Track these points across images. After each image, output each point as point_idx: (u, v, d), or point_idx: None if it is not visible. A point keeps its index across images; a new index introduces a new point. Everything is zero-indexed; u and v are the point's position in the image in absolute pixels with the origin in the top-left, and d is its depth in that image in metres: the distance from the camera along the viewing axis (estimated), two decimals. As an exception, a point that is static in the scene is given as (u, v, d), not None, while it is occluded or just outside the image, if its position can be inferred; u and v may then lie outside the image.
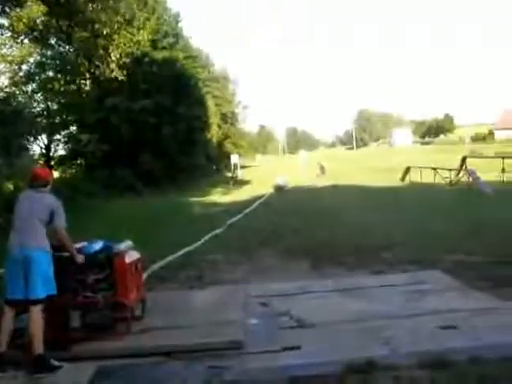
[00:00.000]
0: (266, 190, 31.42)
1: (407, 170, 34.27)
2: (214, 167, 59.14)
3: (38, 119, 34.90)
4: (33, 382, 4.89)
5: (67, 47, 29.93)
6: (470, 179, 26.00)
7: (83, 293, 5.67)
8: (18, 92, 32.40)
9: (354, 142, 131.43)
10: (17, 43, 23.98)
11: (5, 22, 21.19)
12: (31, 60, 33.43)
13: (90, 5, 19.25)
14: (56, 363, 5.10)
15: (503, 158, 29.85)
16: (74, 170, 38.60)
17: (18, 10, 18.51)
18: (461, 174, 28.11)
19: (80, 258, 5.59)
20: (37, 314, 5.12)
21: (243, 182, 44.15)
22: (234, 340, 5.46)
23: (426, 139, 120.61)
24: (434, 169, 30.96)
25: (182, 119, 38.88)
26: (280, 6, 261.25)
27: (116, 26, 20.75)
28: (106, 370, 5.04)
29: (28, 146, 33.05)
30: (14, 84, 31.50)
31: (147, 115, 36.34)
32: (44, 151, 37.57)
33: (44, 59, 34.31)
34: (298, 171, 50.33)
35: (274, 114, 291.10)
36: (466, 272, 8.11)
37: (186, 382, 4.70)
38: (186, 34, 47.62)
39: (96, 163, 35.28)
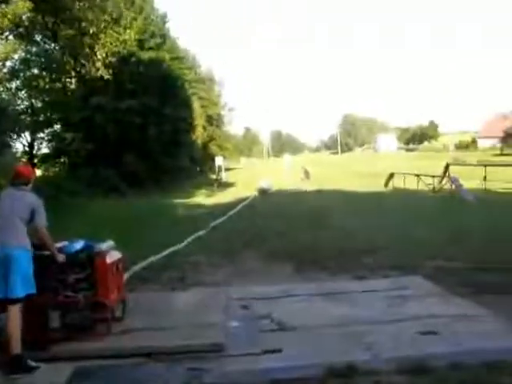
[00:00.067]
0: (251, 192, 31.43)
1: (391, 176, 34.44)
2: (199, 169, 59.01)
3: (22, 117, 34.71)
4: (9, 382, 4.82)
5: (53, 45, 29.69)
6: (453, 186, 26.20)
7: (64, 292, 5.62)
8: (1, 89, 32.11)
9: (339, 147, 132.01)
10: (1, 39, 23.72)
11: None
12: (16, 57, 33.19)
13: (77, 3, 19.13)
14: (33, 364, 5.04)
15: (485, 166, 30.18)
16: (57, 169, 38.36)
17: (3, 5, 18.30)
18: (444, 181, 28.32)
19: (61, 257, 5.53)
20: (15, 313, 5.05)
21: (227, 185, 44.09)
22: (214, 342, 5.44)
23: (411, 146, 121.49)
24: (418, 175, 31.17)
25: (167, 120, 38.77)
26: (264, 5, 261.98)
27: (103, 25, 20.62)
28: (85, 370, 5.00)
29: (11, 143, 32.86)
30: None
31: (133, 115, 36.19)
32: (27, 149, 37.34)
33: (29, 56, 34.11)
34: (283, 175, 50.35)
35: (260, 117, 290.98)
36: (447, 278, 8.16)
37: (166, 383, 4.66)
38: (173, 35, 47.55)
39: (80, 162, 35.06)
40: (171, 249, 11.35)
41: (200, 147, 57.60)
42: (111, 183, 33.08)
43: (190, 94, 50.35)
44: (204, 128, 61.12)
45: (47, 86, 35.31)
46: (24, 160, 33.91)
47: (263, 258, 10.60)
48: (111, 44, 21.81)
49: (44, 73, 34.98)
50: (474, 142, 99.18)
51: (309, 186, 35.06)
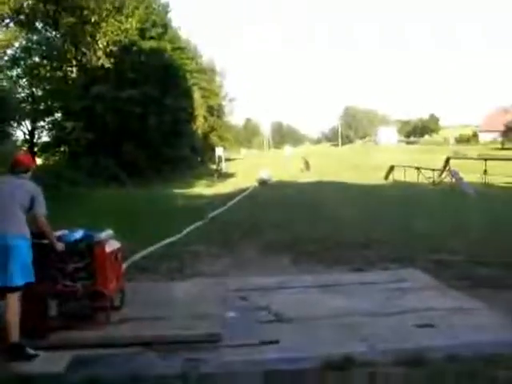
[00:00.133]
0: (251, 183, 31.46)
1: (391, 169, 34.46)
2: (199, 159, 58.99)
3: (23, 105, 34.60)
4: (7, 370, 4.84)
5: (54, 33, 29.62)
6: (453, 180, 26.22)
7: (62, 281, 5.63)
8: (2, 77, 32.02)
9: (340, 139, 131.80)
10: (2, 27, 23.64)
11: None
12: (16, 44, 33.08)
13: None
14: (32, 351, 5.06)
15: (486, 159, 30.17)
16: (57, 158, 38.33)
17: (4, -8, 18.23)
18: (444, 175, 28.33)
19: (60, 246, 5.53)
20: (14, 302, 5.07)
21: (228, 175, 44.11)
22: (212, 333, 5.46)
23: (411, 139, 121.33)
24: (418, 168, 31.18)
25: (168, 110, 38.74)
26: (271, 2, 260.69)
27: (104, 14, 20.54)
28: (83, 359, 5.01)
29: (11, 131, 32.80)
30: (-1, 68, 31.17)
31: (133, 105, 36.15)
32: (27, 137, 37.29)
33: (30, 44, 33.99)
34: (283, 166, 50.39)
35: (260, 108, 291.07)
36: (445, 271, 8.19)
37: (163, 373, 4.69)
38: (174, 25, 47.46)
39: (80, 151, 35.06)
40: (170, 239, 11.37)
41: (200, 137, 57.61)
42: (111, 173, 33.10)
43: (191, 84, 50.29)
44: (205, 118, 61.07)
45: (48, 75, 35.27)
46: (24, 148, 33.86)
47: (261, 249, 10.62)
48: (112, 33, 21.74)
49: (45, 61, 34.93)
50: (474, 135, 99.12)
51: (309, 178, 35.08)
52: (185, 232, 12.44)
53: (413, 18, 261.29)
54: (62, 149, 38.63)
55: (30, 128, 37.13)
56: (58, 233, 5.76)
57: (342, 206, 17.32)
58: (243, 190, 26.23)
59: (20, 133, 36.81)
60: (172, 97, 39.44)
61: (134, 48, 37.24)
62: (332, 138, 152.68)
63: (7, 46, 30.94)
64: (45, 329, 5.43)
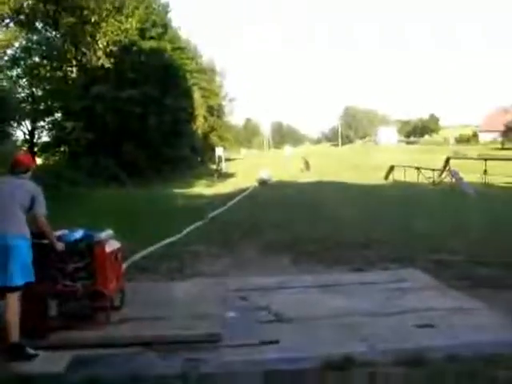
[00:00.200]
0: (251, 183, 31.47)
1: (391, 169, 34.46)
2: (199, 159, 59.00)
3: (23, 105, 34.60)
4: (7, 369, 4.84)
5: (54, 33, 29.61)
6: (453, 180, 26.22)
7: (62, 281, 5.63)
8: (2, 77, 32.02)
9: (340, 139, 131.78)
10: (1, 26, 23.64)
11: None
12: (16, 44, 33.08)
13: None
14: (32, 351, 5.06)
15: (486, 160, 30.16)
16: (57, 158, 38.33)
17: (4, -8, 18.23)
18: (444, 175, 28.34)
19: (60, 246, 5.53)
20: (14, 301, 5.07)
21: (228, 175, 44.12)
22: (212, 333, 5.46)
23: (411, 139, 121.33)
24: (418, 168, 31.19)
25: (168, 110, 38.76)
26: (270, 2, 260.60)
27: (104, 14, 20.54)
28: (83, 359, 5.01)
29: (11, 131, 32.81)
30: (-1, 68, 31.18)
31: (133, 105, 36.16)
32: (27, 137, 37.29)
33: (30, 44, 33.98)
34: (283, 166, 50.40)
35: (260, 108, 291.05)
36: (445, 271, 8.20)
37: (163, 373, 4.69)
38: (174, 25, 47.45)
39: (80, 151, 35.07)
40: (170, 239, 11.37)
41: (201, 137, 57.62)
42: (111, 173, 33.11)
43: (191, 84, 50.30)
44: (205, 118, 61.07)
45: (48, 75, 35.27)
46: (24, 149, 33.87)
47: (262, 248, 10.62)
48: (112, 33, 21.74)
49: (45, 61, 34.94)
50: (474, 135, 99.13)
51: (309, 178, 35.09)
52: (185, 232, 12.44)
53: (413, 18, 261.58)
54: (62, 149, 38.64)
55: (30, 128, 37.15)
56: (58, 233, 5.76)
57: (341, 206, 17.32)
58: (243, 190, 26.24)
59: (20, 133, 36.89)
60: (172, 97, 39.45)
61: (134, 48, 37.26)
62: (332, 138, 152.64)
63: (7, 46, 30.95)
64: (45, 329, 5.43)
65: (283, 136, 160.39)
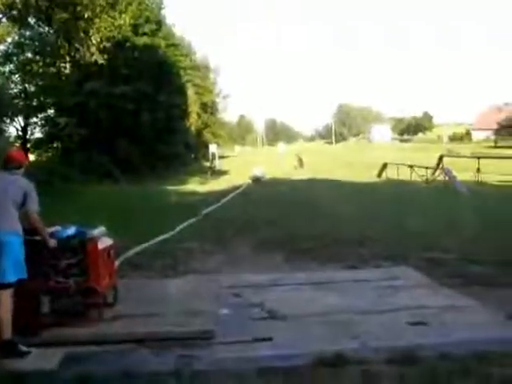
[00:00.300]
0: (244, 180, 31.48)
1: (384, 167, 34.53)
2: (193, 156, 58.91)
3: (15, 101, 34.43)
4: None
5: (47, 28, 29.44)
6: (446, 178, 26.31)
7: (55, 278, 5.61)
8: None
9: (333, 137, 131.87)
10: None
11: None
12: (9, 40, 32.86)
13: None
14: (24, 348, 5.04)
15: (479, 158, 30.28)
16: (50, 154, 38.17)
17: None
18: (437, 173, 28.42)
19: (52, 243, 5.51)
20: (6, 298, 5.05)
21: (221, 172, 44.09)
22: (205, 330, 5.46)
23: (405, 136, 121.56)
24: (411, 166, 31.26)
25: (161, 107, 38.66)
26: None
27: (98, 9, 20.45)
28: (75, 356, 5.00)
29: (4, 127, 32.64)
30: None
31: (126, 101, 36.07)
32: (20, 134, 37.12)
33: (23, 40, 33.79)
34: (277, 163, 50.42)
35: (254, 105, 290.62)
36: (438, 269, 8.23)
37: (156, 370, 4.68)
38: (169, 22, 47.32)
39: (73, 147, 34.97)
40: (164, 236, 11.36)
41: (194, 134, 57.50)
42: (105, 169, 33.02)
43: (185, 81, 50.17)
44: (198, 115, 60.94)
45: (41, 70, 35.03)
46: (17, 145, 33.73)
47: (255, 246, 10.63)
48: (106, 29, 21.64)
49: (38, 57, 34.70)
50: (468, 133, 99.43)
51: (302, 175, 35.12)
52: (178, 229, 12.43)
53: (407, 16, 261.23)
54: (55, 145, 38.51)
55: (22, 124, 37.01)
56: (51, 229, 5.74)
57: (335, 204, 17.35)
58: (237, 188, 26.24)
59: (13, 129, 36.70)
60: (165, 93, 39.36)
61: (128, 44, 37.13)
62: (326, 135, 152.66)
63: (0, 42, 30.80)
64: (37, 326, 5.41)
65: (277, 133, 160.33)
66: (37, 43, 33.26)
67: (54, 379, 4.59)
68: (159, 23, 42.91)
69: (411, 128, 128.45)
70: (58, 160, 34.45)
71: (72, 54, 26.18)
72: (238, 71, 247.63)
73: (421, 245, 10.12)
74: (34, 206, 5.35)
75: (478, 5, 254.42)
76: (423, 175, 29.33)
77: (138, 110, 37.05)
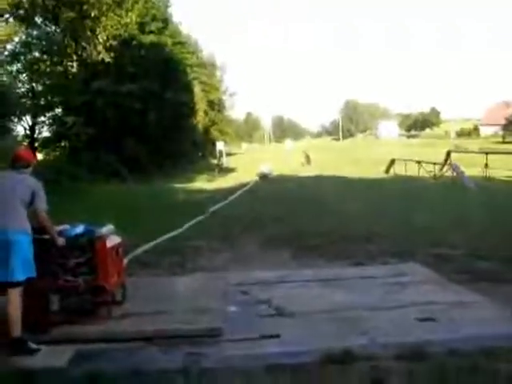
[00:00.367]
0: (251, 177, 31.45)
1: (392, 163, 34.42)
2: (200, 154, 58.94)
3: (23, 100, 34.53)
4: (9, 364, 4.86)
5: (54, 27, 29.54)
6: (454, 173, 26.19)
7: (64, 276, 5.64)
8: (2, 72, 31.95)
9: (340, 133, 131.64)
10: (1, 21, 23.58)
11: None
12: (16, 39, 32.97)
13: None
14: (34, 346, 5.08)
15: (487, 153, 30.10)
16: (58, 153, 38.25)
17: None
18: (445, 168, 28.30)
19: (61, 241, 5.54)
20: (15, 297, 5.08)
21: (229, 170, 44.08)
22: (213, 327, 5.48)
23: (412, 132, 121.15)
24: (419, 162, 31.13)
25: (168, 105, 38.62)
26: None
27: (104, 8, 20.50)
28: (85, 353, 5.04)
29: (12, 126, 32.77)
30: (-1, 63, 31.10)
31: (133, 99, 36.06)
32: (28, 132, 37.22)
33: (30, 39, 33.87)
34: (284, 160, 50.38)
35: (261, 102, 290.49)
36: (445, 265, 8.20)
37: (164, 368, 4.71)
38: (175, 20, 47.36)
39: (80, 146, 34.99)
40: (172, 233, 11.39)
41: (201, 132, 57.50)
42: (112, 168, 33.04)
43: (192, 78, 50.15)
44: (205, 113, 60.93)
45: (48, 70, 35.13)
46: (25, 144, 33.83)
47: (262, 243, 10.63)
48: (112, 27, 21.72)
49: (45, 56, 34.79)
50: (476, 129, 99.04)
51: (310, 172, 35.06)
52: (186, 226, 12.46)
53: (414, 13, 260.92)
54: (63, 144, 38.53)
55: (30, 123, 37.07)
56: (59, 228, 5.77)
57: (342, 200, 17.32)
58: (244, 185, 26.24)
59: (20, 128, 36.78)
60: (172, 91, 39.32)
61: (134, 42, 37.12)
62: (333, 131, 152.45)
63: (7, 41, 30.83)
64: (47, 323, 5.45)
65: (284, 130, 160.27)
66: (44, 42, 33.34)
67: (64, 376, 4.62)
68: (166, 21, 42.89)
69: (418, 124, 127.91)
70: (66, 159, 34.50)
71: (79, 52, 26.30)
72: (244, 69, 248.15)
73: (428, 241, 10.10)
74: (42, 204, 5.38)
75: (482, 3, 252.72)
76: (431, 171, 29.20)
77: (145, 108, 37.04)
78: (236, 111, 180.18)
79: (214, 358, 4.85)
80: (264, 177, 32.03)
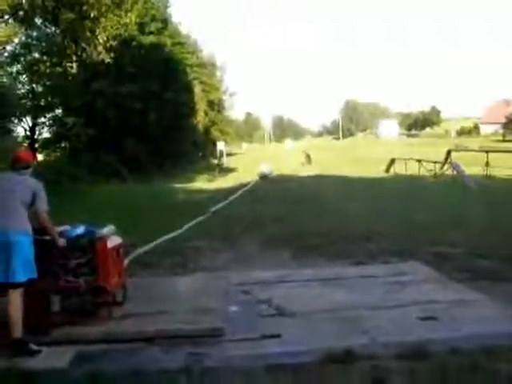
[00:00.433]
0: (252, 177, 31.42)
1: (392, 162, 34.38)
2: (200, 154, 58.93)
3: (23, 101, 34.57)
4: (11, 365, 4.86)
5: (53, 29, 29.54)
6: (455, 172, 26.17)
7: (65, 277, 5.64)
8: (2, 73, 31.97)
9: (341, 132, 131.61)
10: (1, 23, 23.59)
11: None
12: (16, 40, 33.01)
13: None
14: (35, 347, 5.08)
15: (487, 152, 30.07)
16: (58, 154, 38.28)
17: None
18: (445, 167, 28.28)
19: (61, 242, 5.54)
20: (16, 297, 5.08)
21: (229, 170, 44.07)
22: (214, 327, 5.48)
23: (412, 131, 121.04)
24: (419, 161, 31.10)
25: (168, 105, 38.63)
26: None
27: (104, 9, 20.48)
28: (86, 354, 5.04)
29: (12, 127, 32.81)
30: (-1, 65, 31.13)
31: (133, 100, 36.08)
32: (28, 133, 37.26)
33: (29, 40, 33.92)
34: (284, 160, 50.36)
35: (261, 102, 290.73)
36: (446, 264, 8.21)
37: (166, 368, 4.71)
38: (175, 20, 47.38)
39: (81, 147, 35.01)
40: (172, 234, 11.39)
41: (201, 132, 57.49)
42: (113, 168, 33.06)
43: (192, 78, 50.14)
44: (205, 113, 60.91)
45: (48, 71, 35.18)
46: (25, 145, 33.86)
47: (263, 242, 10.63)
48: (112, 27, 21.69)
49: (45, 57, 34.86)
50: (476, 127, 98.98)
51: (310, 171, 35.04)
52: (186, 226, 12.45)
53: (414, 12, 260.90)
54: (63, 145, 38.56)
55: (30, 124, 37.12)
56: (60, 228, 5.77)
57: (343, 200, 17.32)
58: (244, 185, 26.22)
59: (21, 129, 36.85)
60: (172, 91, 39.33)
61: (134, 43, 37.14)
62: (333, 131, 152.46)
63: (7, 43, 30.85)
64: (48, 324, 5.45)
65: (284, 130, 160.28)
66: (44, 43, 33.42)
67: (65, 377, 4.62)
68: (165, 22, 42.89)
69: (419, 123, 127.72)
70: (66, 160, 34.53)
71: (79, 53, 26.29)
72: (244, 69, 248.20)
73: (429, 239, 10.10)
74: (43, 205, 5.38)
75: (482, 2, 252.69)
76: (431, 170, 29.17)
77: (145, 108, 37.06)
78: (236, 111, 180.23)
79: (216, 358, 4.84)
80: (264, 177, 32.00)
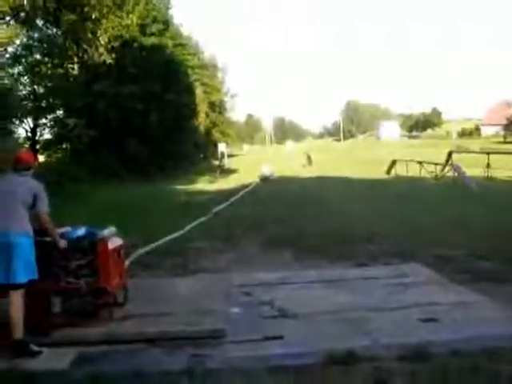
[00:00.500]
0: (253, 179, 31.41)
1: (393, 163, 34.35)
2: (202, 155, 58.94)
3: (24, 102, 34.56)
4: (11, 366, 4.85)
5: (55, 30, 29.53)
6: (456, 174, 26.13)
7: (66, 278, 5.64)
8: (3, 74, 31.98)
9: (342, 134, 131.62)
10: (2, 24, 23.60)
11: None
12: (17, 42, 33.00)
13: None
14: (36, 348, 5.08)
15: (488, 153, 30.03)
16: (59, 155, 38.29)
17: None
18: (446, 169, 28.25)
19: (62, 243, 5.54)
20: (17, 299, 5.08)
21: (230, 171, 44.05)
22: (216, 328, 5.47)
23: (414, 133, 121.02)
24: (420, 163, 31.08)
25: (170, 106, 38.64)
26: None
27: (105, 10, 20.48)
28: (86, 356, 5.03)
29: (13, 129, 32.80)
30: (0, 66, 31.08)
31: (135, 101, 36.09)
32: (30, 135, 37.25)
33: (31, 41, 33.93)
34: (285, 161, 50.37)
35: (262, 104, 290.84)
36: (447, 265, 8.19)
37: (167, 369, 4.70)
38: (176, 22, 47.41)
39: (82, 148, 35.04)
40: (174, 235, 11.39)
41: (203, 133, 57.51)
42: (114, 169, 33.10)
43: (193, 80, 50.19)
44: (207, 114, 60.96)
45: (49, 72, 35.16)
46: (26, 146, 33.86)
47: (265, 243, 10.62)
48: (113, 29, 21.70)
49: (46, 58, 34.84)
50: (477, 129, 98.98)
51: (311, 173, 35.03)
52: (188, 227, 12.45)
53: (415, 14, 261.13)
54: (64, 146, 38.58)
55: (32, 125, 37.09)
56: (61, 230, 5.77)
57: (344, 201, 17.31)
58: (246, 186, 26.21)
59: (22, 130, 36.81)
60: (174, 92, 39.34)
61: (135, 44, 37.16)
62: (334, 132, 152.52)
63: (8, 44, 30.87)
64: (48, 326, 5.45)
65: (285, 131, 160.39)
66: (45, 45, 33.39)
67: (66, 379, 4.61)
68: (166, 23, 42.92)
69: (420, 124, 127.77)
70: (68, 161, 34.56)
71: (80, 55, 26.26)
72: (245, 70, 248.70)
73: (430, 241, 10.08)
74: (44, 206, 5.38)
75: (483, 4, 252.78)
76: (432, 171, 29.15)
77: (147, 109, 37.07)
78: (237, 113, 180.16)
79: (218, 360, 4.84)
80: (265, 178, 32.00)
